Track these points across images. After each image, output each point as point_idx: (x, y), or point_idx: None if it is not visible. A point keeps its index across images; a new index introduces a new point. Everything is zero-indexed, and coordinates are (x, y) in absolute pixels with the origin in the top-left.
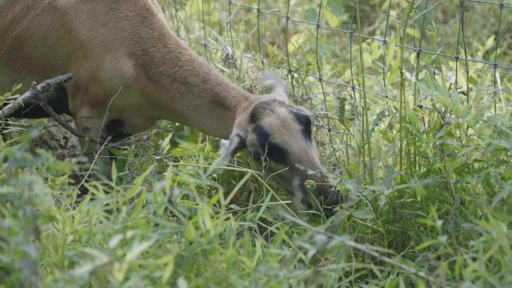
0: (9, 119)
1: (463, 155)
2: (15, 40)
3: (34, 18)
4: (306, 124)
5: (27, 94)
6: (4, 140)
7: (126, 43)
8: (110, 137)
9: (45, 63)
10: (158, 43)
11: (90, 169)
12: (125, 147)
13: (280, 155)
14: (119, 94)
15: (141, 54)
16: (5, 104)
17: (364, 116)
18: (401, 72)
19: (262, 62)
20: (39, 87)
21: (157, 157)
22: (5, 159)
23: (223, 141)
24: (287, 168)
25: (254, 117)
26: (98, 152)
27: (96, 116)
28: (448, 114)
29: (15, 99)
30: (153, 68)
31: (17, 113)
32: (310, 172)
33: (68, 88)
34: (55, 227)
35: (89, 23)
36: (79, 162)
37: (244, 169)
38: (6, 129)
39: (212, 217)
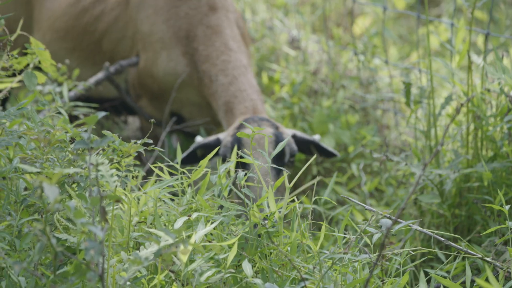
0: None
1: None
2: (93, 34)
3: (110, 12)
4: (280, 152)
5: (100, 75)
6: (71, 122)
7: (181, 43)
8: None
9: (117, 56)
10: (208, 41)
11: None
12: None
13: (242, 166)
14: (177, 90)
15: (193, 52)
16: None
17: (431, 99)
18: (468, 55)
19: (328, 45)
20: (112, 68)
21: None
22: (72, 140)
23: (198, 137)
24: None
25: (240, 126)
26: (164, 133)
27: (154, 107)
28: None
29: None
30: (198, 66)
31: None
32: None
33: (129, 79)
34: (121, 208)
35: (153, 17)
36: (144, 144)
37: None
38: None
39: (276, 200)
